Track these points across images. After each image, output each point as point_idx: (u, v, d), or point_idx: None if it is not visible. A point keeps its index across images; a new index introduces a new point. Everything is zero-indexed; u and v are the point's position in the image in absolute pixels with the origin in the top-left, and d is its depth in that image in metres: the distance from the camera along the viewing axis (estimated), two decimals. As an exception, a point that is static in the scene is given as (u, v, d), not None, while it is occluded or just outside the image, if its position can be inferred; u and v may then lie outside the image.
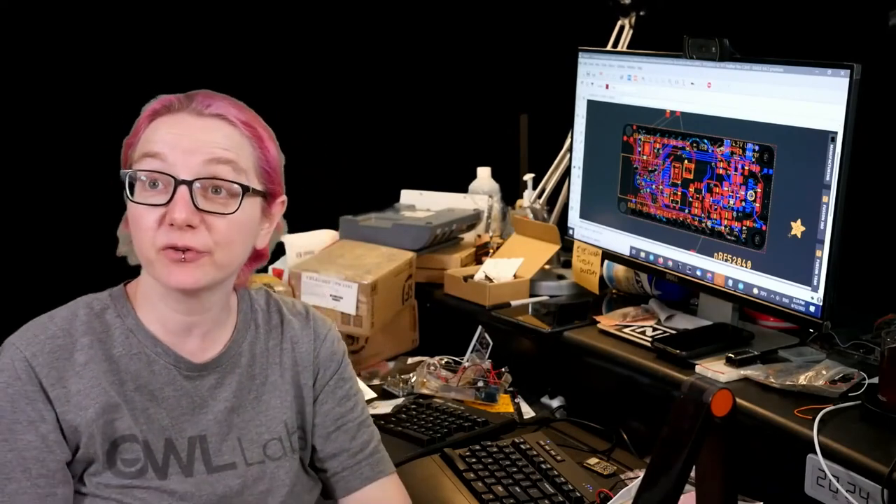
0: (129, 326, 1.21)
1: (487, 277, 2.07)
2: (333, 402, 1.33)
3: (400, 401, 1.84)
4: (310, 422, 1.32)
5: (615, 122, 1.86)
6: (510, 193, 2.44)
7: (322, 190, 2.54)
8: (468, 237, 2.34)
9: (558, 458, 1.58)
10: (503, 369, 1.89)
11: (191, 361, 1.22)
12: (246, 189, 1.17)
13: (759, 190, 1.57)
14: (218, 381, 1.24)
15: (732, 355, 1.58)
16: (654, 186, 1.79)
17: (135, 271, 1.25)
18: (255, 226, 1.22)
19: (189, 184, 1.13)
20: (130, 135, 1.20)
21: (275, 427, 1.27)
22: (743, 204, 1.60)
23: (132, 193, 1.15)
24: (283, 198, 1.27)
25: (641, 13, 2.06)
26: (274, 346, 1.31)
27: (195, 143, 1.15)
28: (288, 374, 1.30)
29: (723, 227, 1.65)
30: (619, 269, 1.99)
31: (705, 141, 1.66)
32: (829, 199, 1.45)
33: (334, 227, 2.24)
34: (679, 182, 1.73)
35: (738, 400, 1.00)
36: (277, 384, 1.29)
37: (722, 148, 1.63)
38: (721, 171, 1.64)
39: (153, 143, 1.15)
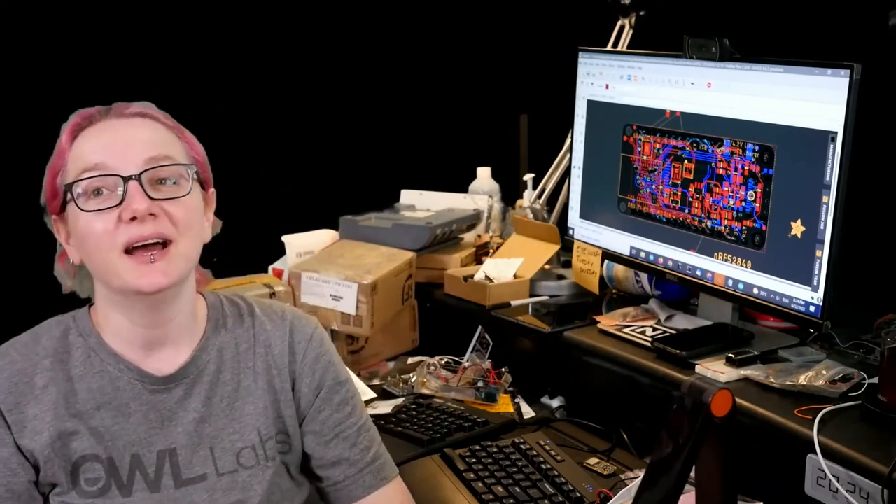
0: (91, 346, 1.19)
1: (487, 277, 2.07)
2: (331, 409, 1.29)
3: (400, 401, 1.84)
4: (293, 425, 1.28)
5: (615, 122, 1.86)
6: (510, 193, 2.44)
7: (322, 190, 2.54)
8: (468, 237, 2.34)
9: (558, 458, 1.58)
10: (503, 369, 1.89)
11: (155, 376, 1.20)
12: (192, 167, 1.18)
13: (759, 190, 1.57)
14: (186, 391, 1.21)
15: (732, 355, 1.58)
16: (654, 186, 1.79)
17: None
18: (202, 213, 1.21)
19: (138, 177, 1.12)
20: (54, 159, 1.18)
21: (248, 434, 1.23)
22: (743, 204, 1.60)
23: (77, 204, 1.13)
24: (213, 191, 1.26)
25: (641, 13, 2.06)
26: (246, 349, 1.27)
27: (129, 142, 1.15)
28: (262, 379, 1.26)
29: (723, 227, 1.65)
30: (619, 269, 1.99)
31: (705, 141, 1.66)
32: (829, 199, 1.45)
33: (334, 227, 2.24)
34: (679, 182, 1.73)
35: (738, 400, 1.00)
36: (251, 389, 1.25)
37: (722, 148, 1.63)
38: (721, 171, 1.64)
39: (86, 155, 1.14)
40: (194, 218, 1.18)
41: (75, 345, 1.19)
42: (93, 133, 1.17)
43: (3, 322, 1.32)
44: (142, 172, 1.12)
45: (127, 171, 1.12)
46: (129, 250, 1.12)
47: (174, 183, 1.16)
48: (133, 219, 1.11)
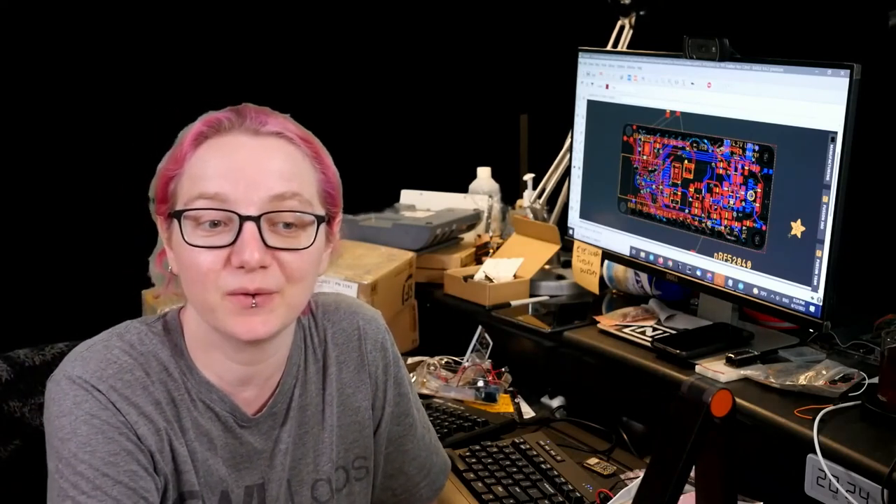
0: (182, 368, 1.08)
1: (487, 277, 2.07)
2: (395, 423, 1.24)
3: (400, 401, 1.84)
4: (370, 447, 1.21)
5: (615, 122, 1.86)
6: (510, 193, 2.44)
7: (322, 190, 2.54)
8: (468, 237, 2.34)
9: (558, 458, 1.58)
10: (503, 369, 1.89)
11: (246, 414, 1.11)
12: (321, 219, 1.05)
13: (759, 190, 1.57)
14: (274, 422, 1.13)
15: (732, 355, 1.58)
16: (654, 186, 1.79)
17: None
18: (322, 254, 1.09)
19: (256, 220, 0.99)
20: (169, 163, 1.05)
21: (323, 466, 1.16)
22: (743, 204, 1.60)
23: (182, 233, 1.01)
24: (341, 215, 1.13)
25: (641, 13, 2.06)
26: (318, 370, 1.18)
27: (258, 173, 1.01)
28: (336, 401, 1.18)
29: (723, 227, 1.65)
30: (619, 269, 1.99)
31: (705, 141, 1.66)
32: (829, 199, 1.45)
33: (334, 226, 2.24)
34: (679, 182, 1.73)
35: (738, 400, 1.00)
36: (326, 415, 1.17)
37: (722, 148, 1.63)
38: (721, 171, 1.64)
39: (206, 180, 1.01)
40: (310, 268, 1.05)
41: (171, 365, 1.08)
42: (218, 148, 1.03)
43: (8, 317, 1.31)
44: (262, 215, 1.00)
45: (247, 208, 0.99)
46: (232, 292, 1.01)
47: (297, 226, 1.03)
48: (241, 266, 0.99)
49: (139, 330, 1.09)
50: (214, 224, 1.00)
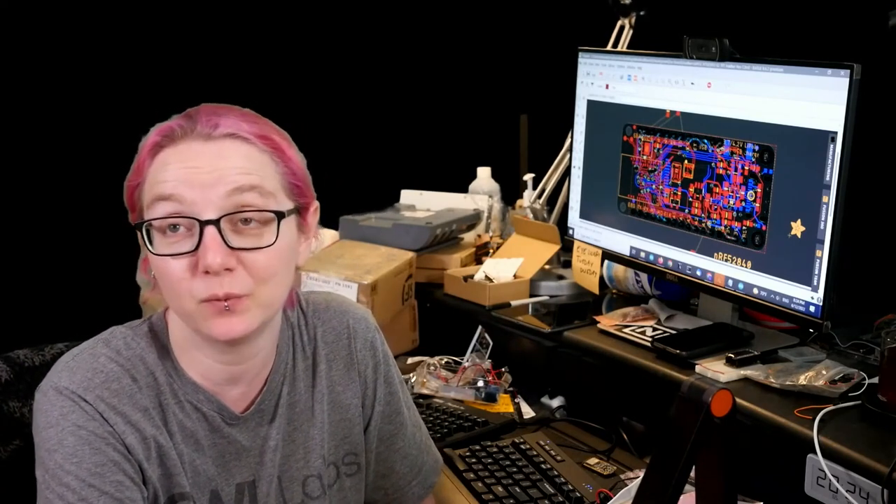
0: (168, 370, 1.09)
1: (487, 277, 2.07)
2: (385, 421, 1.25)
3: (400, 401, 1.84)
4: (360, 444, 1.23)
5: (615, 122, 1.86)
6: (510, 193, 2.44)
7: (322, 190, 2.54)
8: (468, 237, 2.34)
9: (558, 458, 1.58)
10: (503, 369, 1.89)
11: (234, 412, 1.12)
12: (280, 215, 1.04)
13: (759, 190, 1.57)
14: (262, 419, 1.14)
15: (732, 355, 1.58)
16: (654, 186, 1.79)
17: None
18: (295, 247, 1.09)
19: (216, 223, 1.00)
20: (132, 174, 1.06)
21: (313, 462, 1.17)
22: (743, 204, 1.60)
23: (151, 243, 1.02)
24: (316, 204, 1.13)
25: (641, 13, 2.06)
26: (307, 367, 1.19)
27: (212, 174, 1.01)
28: (325, 399, 1.19)
29: (723, 227, 1.65)
30: (619, 269, 1.99)
31: (705, 141, 1.66)
32: (829, 199, 1.45)
33: (334, 227, 2.24)
34: (679, 182, 1.73)
35: (738, 400, 1.00)
36: (316, 412, 1.18)
37: (722, 148, 1.63)
38: (721, 171, 1.64)
39: (163, 183, 1.01)
40: (279, 264, 1.05)
41: (157, 368, 1.09)
42: (172, 155, 1.03)
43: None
44: (221, 218, 1.00)
45: (205, 211, 1.00)
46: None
47: (259, 222, 1.03)
48: (208, 271, 0.99)
49: (124, 335, 1.10)
50: (174, 228, 1.01)
